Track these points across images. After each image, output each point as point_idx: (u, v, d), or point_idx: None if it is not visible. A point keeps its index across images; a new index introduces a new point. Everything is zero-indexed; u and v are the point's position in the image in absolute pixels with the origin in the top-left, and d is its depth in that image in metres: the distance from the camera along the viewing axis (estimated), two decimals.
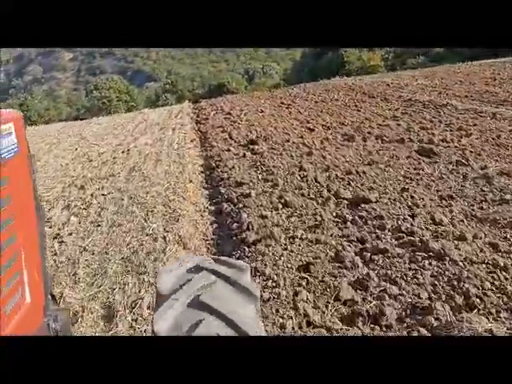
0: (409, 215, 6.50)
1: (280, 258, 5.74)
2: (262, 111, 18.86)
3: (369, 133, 12.64)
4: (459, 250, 5.38)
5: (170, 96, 71.79)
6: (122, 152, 13.60)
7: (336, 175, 8.86)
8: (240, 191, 8.87)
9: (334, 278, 5.18)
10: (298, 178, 9.04)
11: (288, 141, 12.44)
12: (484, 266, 5.05)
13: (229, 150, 12.49)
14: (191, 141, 15.12)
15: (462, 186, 7.63)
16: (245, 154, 11.70)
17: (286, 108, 19.62)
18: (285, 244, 6.15)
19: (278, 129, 14.62)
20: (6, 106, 66.53)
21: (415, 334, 4.01)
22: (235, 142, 13.51)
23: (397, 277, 5.02)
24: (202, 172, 11.34)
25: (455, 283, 4.69)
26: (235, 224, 7.19)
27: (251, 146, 12.34)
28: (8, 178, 1.81)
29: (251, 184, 9.16)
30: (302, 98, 22.21)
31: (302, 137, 12.89)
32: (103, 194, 9.42)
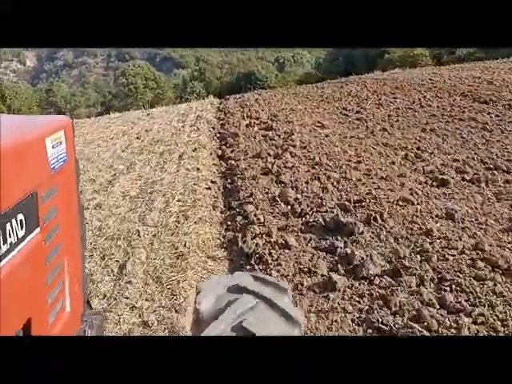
0: None
1: None
2: (323, 126, 11.34)
3: None
4: None
5: (198, 84, 66.56)
6: None
7: None
8: None
9: None
10: None
11: (428, 234, 4.95)
12: None
13: (287, 247, 5.13)
14: (207, 188, 7.82)
15: None
16: (334, 283, 4.29)
17: (357, 119, 12.08)
18: None
19: (372, 175, 7.19)
20: (36, 90, 61.04)
21: None
22: (295, 211, 6.11)
23: None
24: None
25: None
26: None
27: (339, 245, 4.96)
28: (56, 188, 1.73)
29: None
30: (371, 102, 14.56)
31: (452, 217, 5.40)
32: None
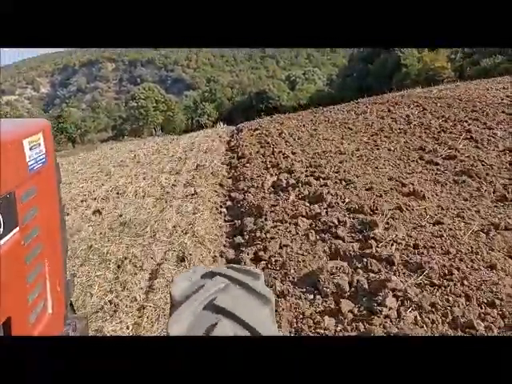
0: None
1: None
2: (414, 192, 6.13)
3: None
4: None
5: (208, 105, 62.93)
6: None
7: None
8: None
9: None
10: None
11: None
12: None
13: None
14: None
15: None
16: None
17: (462, 173, 6.85)
18: None
19: None
20: (47, 116, 57.25)
21: None
22: None
23: None
24: None
25: None
26: None
27: None
28: (35, 189, 1.67)
29: None
30: (462, 138, 9.29)
31: None
32: None
